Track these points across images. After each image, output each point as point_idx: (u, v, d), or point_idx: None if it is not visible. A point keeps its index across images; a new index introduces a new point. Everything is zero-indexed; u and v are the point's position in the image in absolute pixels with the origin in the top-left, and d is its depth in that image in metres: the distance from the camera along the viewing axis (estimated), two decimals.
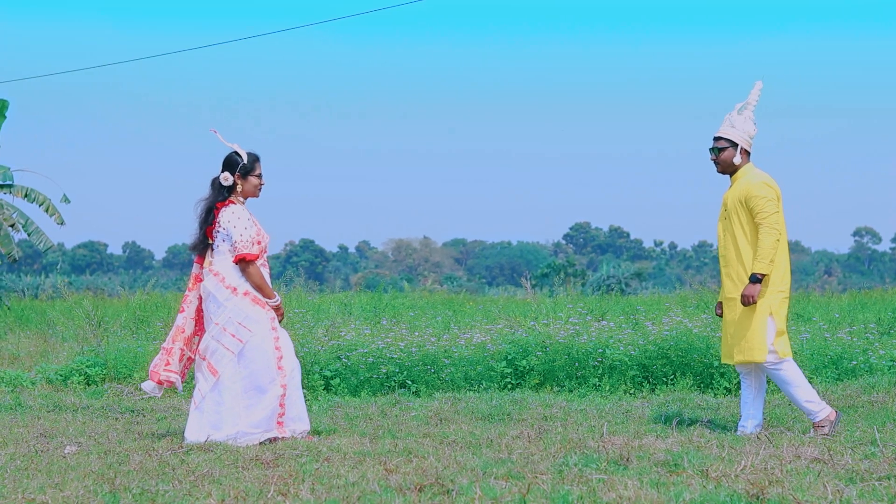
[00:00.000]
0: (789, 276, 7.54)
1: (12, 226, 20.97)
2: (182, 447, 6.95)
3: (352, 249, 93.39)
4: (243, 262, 7.39)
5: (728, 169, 7.68)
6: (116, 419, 8.79)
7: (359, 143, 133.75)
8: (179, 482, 5.71)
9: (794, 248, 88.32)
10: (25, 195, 22.22)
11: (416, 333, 12.02)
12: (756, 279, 7.34)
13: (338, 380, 10.56)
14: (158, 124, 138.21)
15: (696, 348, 10.68)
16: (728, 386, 10.35)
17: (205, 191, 7.57)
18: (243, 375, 7.31)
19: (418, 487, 5.46)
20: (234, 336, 7.32)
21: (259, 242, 7.49)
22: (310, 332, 11.88)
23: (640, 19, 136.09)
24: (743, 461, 6.02)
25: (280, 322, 7.51)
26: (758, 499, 5.10)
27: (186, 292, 7.69)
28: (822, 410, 7.43)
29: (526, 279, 21.69)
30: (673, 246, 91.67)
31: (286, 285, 20.43)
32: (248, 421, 7.25)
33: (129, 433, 7.83)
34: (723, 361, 7.76)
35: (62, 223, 22.39)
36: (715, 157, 7.68)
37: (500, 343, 11.33)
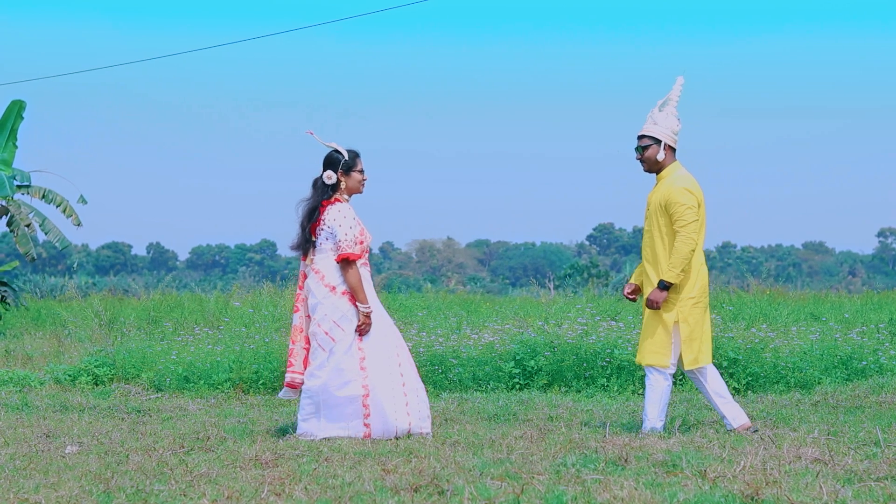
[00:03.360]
0: (705, 281, 7.44)
1: (28, 226, 21.03)
2: (184, 447, 6.95)
3: (375, 251, 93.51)
4: (345, 262, 7.40)
5: (654, 167, 7.61)
6: (122, 419, 8.80)
7: (382, 144, 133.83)
8: (175, 482, 5.70)
9: (819, 248, 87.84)
10: (43, 196, 22.28)
11: (424, 333, 11.99)
12: (664, 286, 7.28)
13: None
14: (179, 126, 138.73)
15: None
16: (737, 386, 10.29)
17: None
18: (328, 371, 7.37)
19: (413, 488, 5.44)
20: (327, 334, 7.39)
21: (361, 242, 7.50)
22: None
23: (655, 20, 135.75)
24: (742, 461, 5.96)
25: (363, 332, 7.42)
26: (752, 499, 5.05)
27: (298, 291, 7.69)
28: (649, 429, 7.46)
29: (549, 280, 21.61)
30: None
31: None
32: (328, 422, 7.34)
33: (133, 433, 7.82)
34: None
35: (79, 224, 22.43)
36: (640, 156, 7.63)
37: (509, 343, 11.30)
